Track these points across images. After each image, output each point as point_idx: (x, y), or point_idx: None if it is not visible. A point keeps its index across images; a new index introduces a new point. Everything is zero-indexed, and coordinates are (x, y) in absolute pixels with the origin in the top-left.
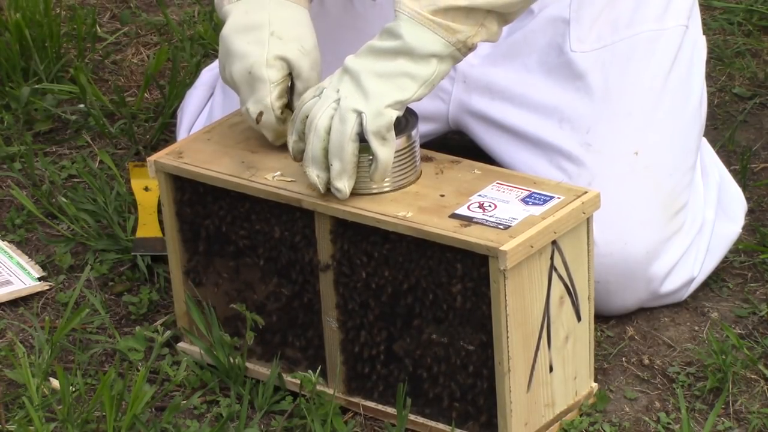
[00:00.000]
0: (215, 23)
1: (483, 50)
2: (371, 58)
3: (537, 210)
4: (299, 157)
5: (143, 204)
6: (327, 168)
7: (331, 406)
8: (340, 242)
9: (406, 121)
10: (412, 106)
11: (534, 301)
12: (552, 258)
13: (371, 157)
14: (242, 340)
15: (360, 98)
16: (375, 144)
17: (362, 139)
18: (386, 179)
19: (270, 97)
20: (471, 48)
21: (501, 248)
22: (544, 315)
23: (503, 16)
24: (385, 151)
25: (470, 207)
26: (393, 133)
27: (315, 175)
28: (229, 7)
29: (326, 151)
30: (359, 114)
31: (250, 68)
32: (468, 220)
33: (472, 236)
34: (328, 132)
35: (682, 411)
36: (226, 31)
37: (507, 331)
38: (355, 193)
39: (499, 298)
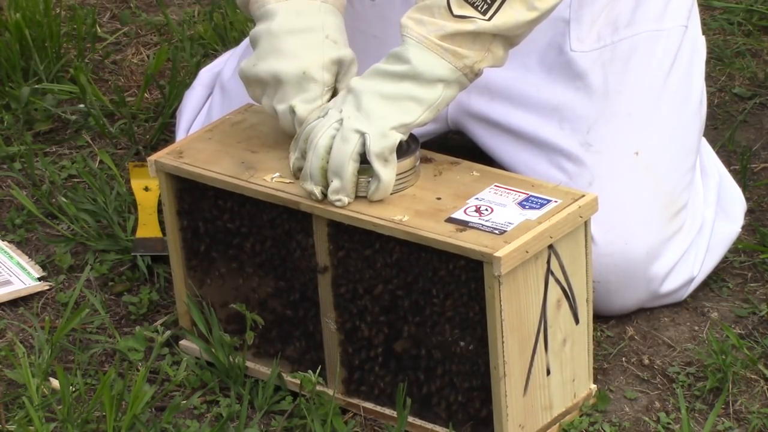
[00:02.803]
0: (215, 23)
1: None
2: (377, 80)
3: (533, 214)
4: (298, 174)
5: (143, 204)
6: (325, 185)
7: (331, 406)
8: (338, 245)
9: (407, 145)
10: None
11: (530, 305)
12: (548, 262)
13: (370, 179)
14: (242, 339)
15: (363, 119)
16: (377, 165)
17: (362, 160)
18: None
19: (322, 99)
20: (477, 74)
21: (495, 254)
22: (540, 319)
23: (509, 40)
24: (387, 172)
25: (466, 211)
26: (395, 155)
27: (311, 187)
28: (275, 6)
29: (324, 170)
30: (362, 135)
31: (306, 69)
32: (464, 225)
33: (467, 241)
34: (328, 151)
35: (682, 411)
36: (276, 28)
37: (502, 336)
38: None
39: (493, 303)
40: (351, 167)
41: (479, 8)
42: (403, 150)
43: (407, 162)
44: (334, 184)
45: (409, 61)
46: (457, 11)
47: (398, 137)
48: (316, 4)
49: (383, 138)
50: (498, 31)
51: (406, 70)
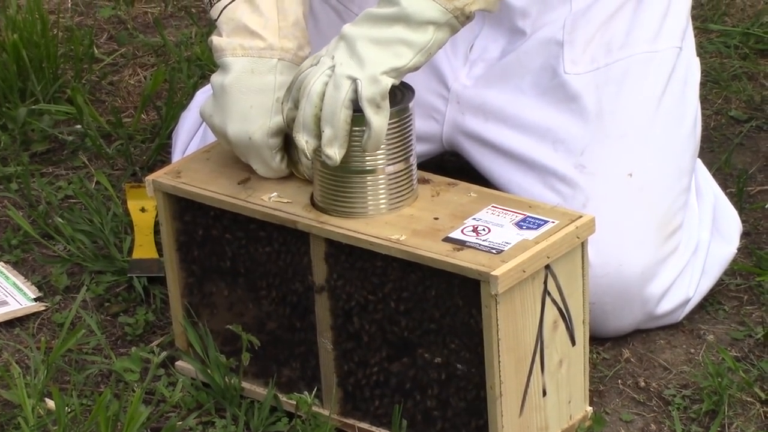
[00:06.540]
0: None
1: (477, 71)
2: (368, 25)
3: (531, 234)
4: (292, 124)
5: (139, 225)
6: (317, 135)
7: (327, 427)
8: (335, 264)
9: (402, 95)
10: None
11: (526, 325)
12: (545, 282)
13: (364, 128)
14: (238, 360)
15: (355, 65)
16: (369, 112)
17: (356, 109)
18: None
19: (275, 162)
20: (469, 17)
21: (492, 273)
22: (537, 339)
23: None
24: (379, 119)
25: (464, 231)
26: (387, 101)
27: (304, 141)
28: (231, 60)
29: (317, 118)
30: (354, 81)
31: (252, 135)
32: (461, 244)
33: (464, 261)
34: (321, 98)
35: None
36: (229, 85)
37: (498, 356)
38: (348, 215)
39: (490, 322)
40: (343, 114)
41: None
42: (396, 100)
43: (398, 110)
44: (326, 133)
45: (399, 3)
46: None
47: (390, 82)
48: (271, 61)
49: (375, 83)
50: None
51: (395, 12)
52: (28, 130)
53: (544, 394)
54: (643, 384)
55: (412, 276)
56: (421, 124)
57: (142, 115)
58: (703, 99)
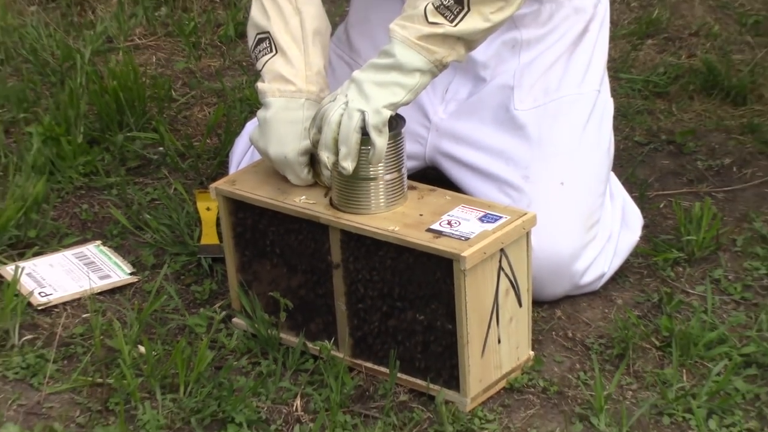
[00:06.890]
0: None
1: (450, 108)
2: (372, 71)
3: (490, 226)
4: (317, 145)
5: (206, 220)
6: (336, 152)
7: (342, 366)
8: (348, 248)
9: (396, 122)
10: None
11: (486, 292)
12: (500, 261)
13: (369, 147)
14: (277, 318)
15: (363, 101)
16: (373, 135)
17: (364, 133)
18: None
19: (303, 174)
20: (445, 66)
21: (462, 254)
22: (494, 302)
23: (469, 44)
24: (381, 140)
25: (441, 224)
26: (387, 127)
27: (326, 156)
28: (272, 100)
29: (336, 140)
30: (362, 112)
31: (287, 154)
32: (439, 233)
33: (442, 245)
34: (338, 125)
35: (595, 371)
36: (271, 117)
37: (466, 315)
38: (357, 212)
39: (460, 290)
40: (354, 137)
41: (448, 18)
42: (392, 126)
43: (394, 134)
44: (342, 150)
45: (395, 56)
46: (431, 19)
47: (388, 113)
48: (300, 101)
49: (378, 114)
50: (461, 35)
51: (392, 62)
52: (125, 151)
53: (499, 341)
54: (570, 335)
55: (404, 256)
56: (409, 146)
57: (207, 140)
58: (616, 128)
